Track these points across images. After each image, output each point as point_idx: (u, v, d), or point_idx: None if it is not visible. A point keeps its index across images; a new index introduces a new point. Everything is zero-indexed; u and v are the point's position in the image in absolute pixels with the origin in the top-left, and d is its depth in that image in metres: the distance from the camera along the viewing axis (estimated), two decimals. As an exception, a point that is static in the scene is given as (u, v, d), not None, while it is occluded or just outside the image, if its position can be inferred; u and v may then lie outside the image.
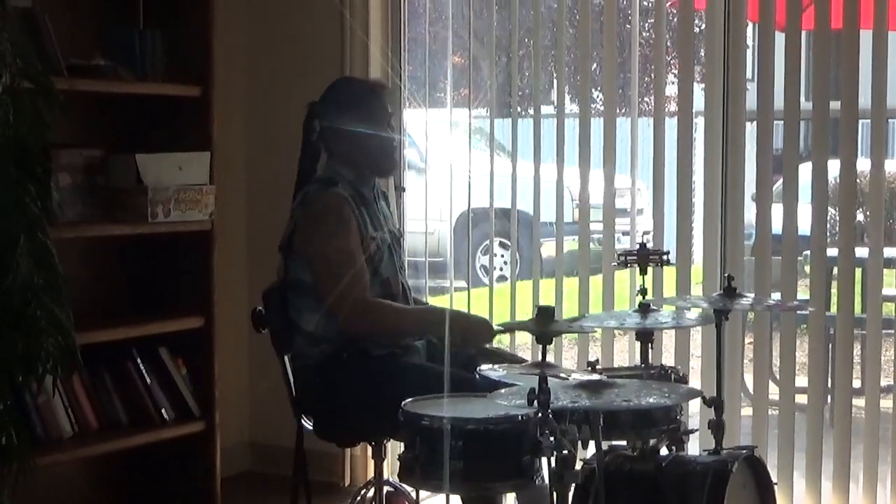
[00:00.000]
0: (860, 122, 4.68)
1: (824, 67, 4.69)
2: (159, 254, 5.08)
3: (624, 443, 3.72)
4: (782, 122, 4.79)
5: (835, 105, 4.65)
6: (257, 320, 4.28)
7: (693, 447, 4.22)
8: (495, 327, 4.17)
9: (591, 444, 3.37)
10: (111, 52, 4.86)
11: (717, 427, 3.82)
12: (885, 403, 4.93)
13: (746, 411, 5.03)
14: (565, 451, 3.10)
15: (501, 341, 5.70)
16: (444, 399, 3.55)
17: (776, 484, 3.86)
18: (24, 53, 3.53)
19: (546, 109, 5.48)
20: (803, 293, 5.06)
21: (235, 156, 5.64)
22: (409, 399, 3.46)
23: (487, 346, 4.21)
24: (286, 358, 4.26)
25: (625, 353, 5.27)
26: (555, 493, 3.11)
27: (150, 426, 4.92)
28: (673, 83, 5.19)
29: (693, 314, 4.07)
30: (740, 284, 4.17)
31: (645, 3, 8.52)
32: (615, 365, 4.97)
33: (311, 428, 4.19)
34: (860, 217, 5.49)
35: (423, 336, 4.23)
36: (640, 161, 5.21)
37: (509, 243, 5.80)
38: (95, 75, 4.72)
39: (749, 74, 4.96)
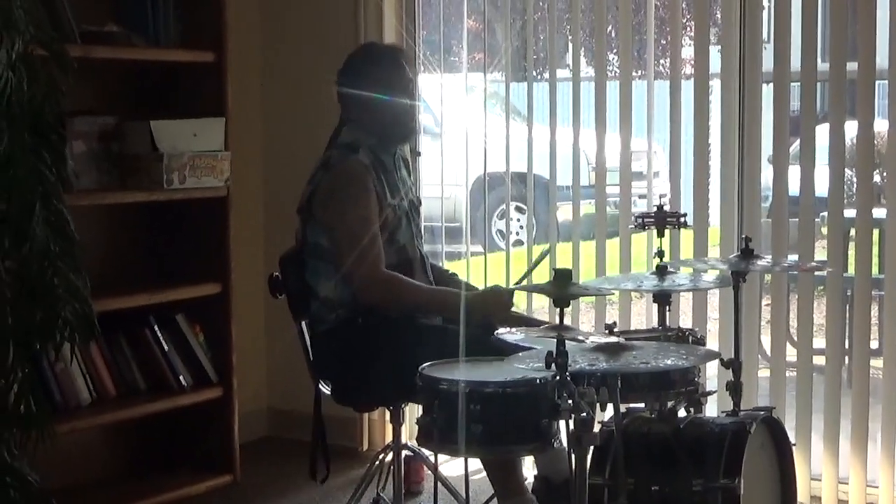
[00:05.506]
0: (877, 82, 4.65)
1: (841, 28, 4.66)
2: (175, 220, 5.08)
3: (642, 405, 3.73)
4: (799, 83, 4.76)
5: (852, 66, 4.62)
6: (274, 286, 4.28)
7: (711, 409, 4.21)
8: (512, 287, 4.15)
9: (609, 406, 3.36)
10: (124, 18, 4.86)
11: (734, 389, 3.83)
12: (904, 364, 4.91)
13: (764, 373, 5.02)
14: (583, 414, 3.09)
15: (519, 306, 5.70)
16: (461, 363, 3.55)
17: (794, 445, 3.86)
18: (37, 21, 3.52)
19: (561, 73, 5.45)
20: (820, 255, 5.04)
21: (251, 121, 5.63)
22: (427, 363, 3.46)
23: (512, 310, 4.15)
24: (303, 323, 4.27)
25: (642, 315, 5.26)
26: (573, 456, 3.11)
27: (167, 393, 4.94)
28: (689, 45, 5.15)
29: (710, 276, 4.06)
30: (757, 246, 4.15)
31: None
32: (633, 328, 4.96)
33: (328, 393, 4.20)
34: (877, 178, 5.46)
35: (435, 315, 4.19)
36: (657, 124, 5.19)
37: (525, 207, 5.77)
38: (109, 42, 4.71)
39: (765, 36, 4.93)
